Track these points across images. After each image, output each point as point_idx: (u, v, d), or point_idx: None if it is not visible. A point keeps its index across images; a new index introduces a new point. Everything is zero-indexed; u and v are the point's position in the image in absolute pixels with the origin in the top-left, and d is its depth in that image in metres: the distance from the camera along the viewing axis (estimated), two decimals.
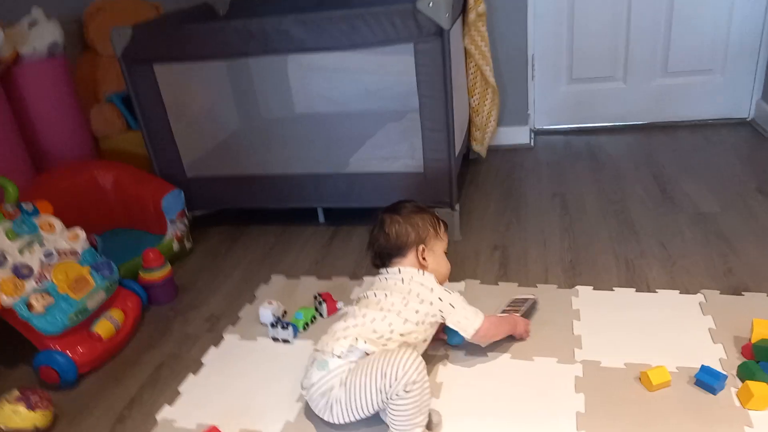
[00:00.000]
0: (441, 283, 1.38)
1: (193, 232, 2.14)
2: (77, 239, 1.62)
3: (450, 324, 1.31)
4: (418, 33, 1.67)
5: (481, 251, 1.87)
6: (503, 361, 1.39)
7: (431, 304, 1.30)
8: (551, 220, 2.00)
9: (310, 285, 1.79)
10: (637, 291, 1.58)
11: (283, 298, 1.71)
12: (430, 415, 1.20)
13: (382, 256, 1.40)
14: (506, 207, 2.14)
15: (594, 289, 1.61)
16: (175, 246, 2.00)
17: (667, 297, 1.55)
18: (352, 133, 2.23)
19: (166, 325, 1.70)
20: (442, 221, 1.48)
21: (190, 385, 1.44)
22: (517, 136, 2.64)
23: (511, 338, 1.43)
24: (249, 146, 2.26)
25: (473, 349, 1.41)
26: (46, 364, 1.46)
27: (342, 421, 1.20)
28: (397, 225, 1.41)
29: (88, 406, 1.42)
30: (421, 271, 1.36)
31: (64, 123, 2.09)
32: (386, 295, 1.31)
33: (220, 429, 1.26)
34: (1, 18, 1.96)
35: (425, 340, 1.33)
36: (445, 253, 1.46)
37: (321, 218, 2.18)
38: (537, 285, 1.66)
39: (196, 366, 1.50)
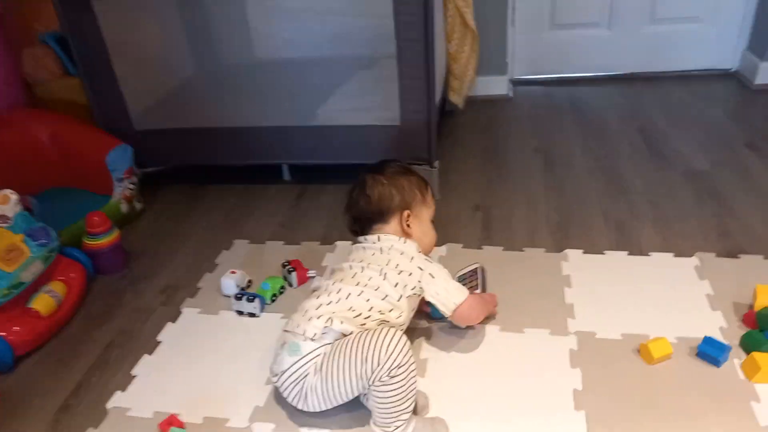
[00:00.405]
0: (426, 254, 1.25)
1: (144, 192, 1.93)
2: (7, 202, 1.41)
3: (429, 297, 1.17)
4: None
5: (461, 212, 1.73)
6: (492, 333, 1.27)
7: (410, 274, 1.16)
8: (535, 177, 1.88)
9: (277, 251, 1.63)
10: (629, 254, 1.48)
11: (247, 266, 1.55)
12: (416, 397, 1.08)
13: (362, 222, 1.25)
14: (486, 163, 2.00)
15: (584, 252, 1.50)
16: (124, 207, 1.80)
17: (662, 260, 1.45)
18: (320, 82, 2.03)
19: (115, 297, 1.52)
20: (429, 186, 1.33)
21: (144, 367, 1.28)
22: (495, 86, 2.48)
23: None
24: (205, 95, 2.04)
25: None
26: None
27: (318, 410, 1.07)
28: (380, 186, 1.25)
29: (28, 393, 1.25)
30: (402, 239, 1.22)
31: None
32: (363, 267, 1.17)
33: (180, 419, 1.12)
34: None
35: (408, 318, 1.19)
36: (432, 221, 1.32)
37: (286, 175, 2.00)
38: (524, 249, 1.54)
39: (151, 345, 1.34)
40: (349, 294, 1.12)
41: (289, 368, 1.06)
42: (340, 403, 1.05)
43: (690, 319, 1.26)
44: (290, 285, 1.47)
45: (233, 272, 1.46)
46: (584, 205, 1.71)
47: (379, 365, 0.97)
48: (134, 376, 1.26)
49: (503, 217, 1.69)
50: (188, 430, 1.10)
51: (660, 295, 1.34)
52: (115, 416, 1.17)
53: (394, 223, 1.24)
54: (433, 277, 1.17)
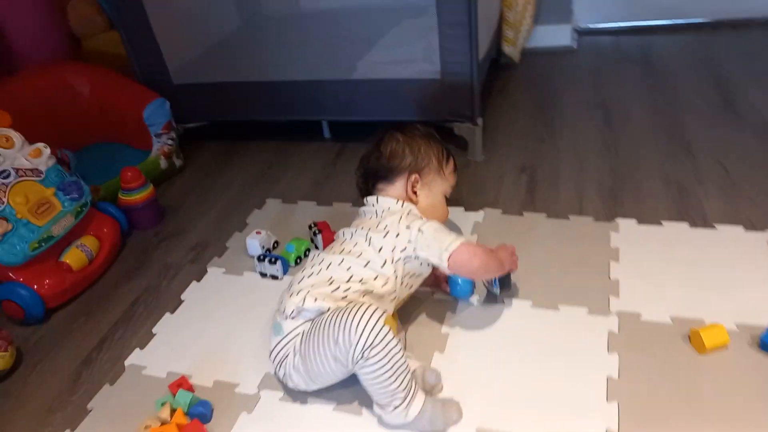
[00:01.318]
0: None
1: (184, 148, 1.92)
2: (40, 155, 1.42)
3: (420, 252, 1.04)
4: None
5: (505, 173, 1.60)
6: (522, 309, 1.17)
7: (397, 235, 1.05)
8: (590, 135, 1.71)
9: (308, 211, 1.58)
10: (691, 226, 1.32)
11: (276, 226, 1.51)
12: (424, 375, 1.01)
13: (368, 179, 1.17)
14: (538, 120, 1.84)
15: (638, 222, 1.35)
16: (163, 163, 1.79)
17: (729, 234, 1.28)
18: (362, 33, 1.92)
19: (146, 253, 1.52)
20: (453, 160, 1.22)
21: (164, 326, 1.28)
22: (556, 36, 2.27)
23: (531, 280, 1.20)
24: (243, 49, 1.98)
25: (487, 295, 1.19)
26: (8, 299, 1.31)
27: (308, 389, 1.02)
28: (394, 143, 1.17)
29: (55, 345, 1.28)
30: (400, 202, 1.12)
31: (32, 16, 1.84)
32: (352, 233, 1.09)
33: (190, 381, 1.10)
34: None
35: (400, 286, 1.06)
36: (447, 198, 1.21)
37: (326, 133, 1.93)
38: (569, 216, 1.40)
39: (174, 303, 1.33)
40: (330, 264, 1.04)
41: (273, 348, 1.02)
42: (331, 383, 1.00)
43: (756, 304, 1.10)
44: (316, 247, 1.42)
45: (258, 232, 1.42)
46: (642, 168, 1.53)
47: (351, 345, 0.89)
48: (154, 334, 1.25)
49: (550, 180, 1.55)
50: (198, 392, 1.08)
51: (723, 274, 1.18)
52: (131, 374, 1.17)
53: (399, 186, 1.14)
54: (421, 232, 1.04)
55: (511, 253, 1.13)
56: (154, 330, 1.27)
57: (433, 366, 1.06)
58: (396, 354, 0.91)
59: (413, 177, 1.15)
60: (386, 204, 1.13)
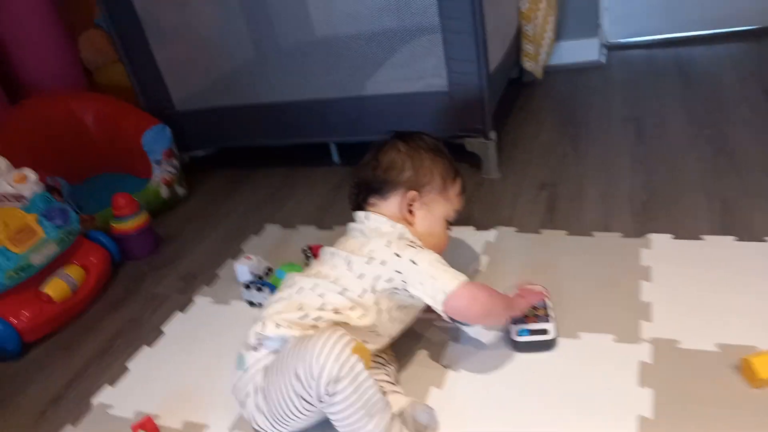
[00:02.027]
0: None
1: (192, 177, 1.86)
2: (25, 181, 1.36)
3: (411, 289, 0.88)
4: None
5: (522, 191, 1.45)
6: None
7: (382, 263, 0.89)
8: (620, 150, 1.54)
9: (308, 235, 1.46)
10: (737, 240, 1.13)
11: (273, 252, 1.40)
12: (414, 414, 0.85)
13: (360, 190, 1.03)
14: (563, 136, 1.69)
15: (674, 237, 1.17)
16: (164, 192, 1.72)
17: None
18: (372, 55, 1.83)
19: (136, 283, 1.43)
20: (462, 181, 1.06)
21: (140, 360, 1.16)
22: (583, 51, 2.13)
23: None
24: (246, 74, 1.92)
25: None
26: None
27: None
28: (394, 153, 1.02)
29: (26, 381, 1.18)
30: (390, 222, 0.97)
31: (45, 47, 1.84)
32: (333, 254, 0.95)
33: (156, 421, 0.97)
34: None
35: (380, 323, 0.90)
36: (449, 224, 1.04)
37: (335, 157, 1.83)
38: (593, 233, 1.23)
39: (154, 335, 1.22)
40: (301, 288, 0.90)
41: (234, 383, 0.88)
42: (299, 425, 0.84)
43: None
44: None
45: (248, 258, 1.30)
46: (679, 181, 1.36)
47: (314, 379, 0.75)
48: (128, 369, 1.14)
49: (573, 196, 1.39)
50: None
51: None
52: (97, 413, 1.05)
53: (393, 202, 0.99)
54: (414, 263, 0.88)
55: (535, 294, 0.98)
56: (128, 365, 1.15)
57: (428, 404, 0.90)
58: (368, 389, 0.77)
59: (411, 194, 0.99)
60: (375, 223, 0.98)
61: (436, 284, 0.87)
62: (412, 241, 0.95)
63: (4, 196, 1.31)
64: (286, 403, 0.80)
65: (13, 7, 1.77)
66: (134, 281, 1.44)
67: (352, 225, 1.01)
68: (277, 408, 0.81)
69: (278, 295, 0.93)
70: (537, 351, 0.96)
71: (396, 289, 0.90)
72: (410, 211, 1.00)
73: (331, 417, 0.78)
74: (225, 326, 1.20)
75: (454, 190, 1.05)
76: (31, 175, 1.38)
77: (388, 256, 0.90)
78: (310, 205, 1.62)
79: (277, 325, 0.85)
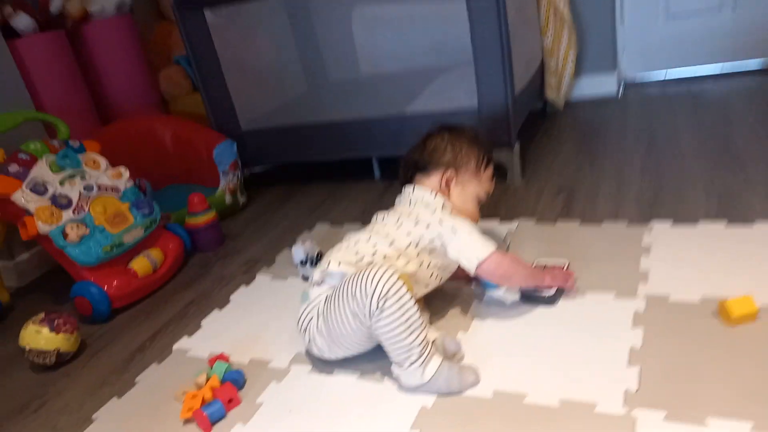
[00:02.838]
0: None
1: (251, 190, 2.11)
2: (120, 177, 1.63)
3: (450, 253, 1.09)
4: None
5: (543, 193, 1.64)
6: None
7: (428, 226, 1.10)
8: (633, 161, 1.73)
9: (353, 230, 1.67)
10: (729, 223, 1.29)
11: (323, 242, 1.61)
12: (444, 343, 1.03)
13: (408, 169, 1.24)
14: (580, 152, 1.89)
15: (673, 223, 1.34)
16: (228, 198, 1.97)
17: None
18: (413, 86, 2.09)
19: (205, 268, 1.66)
20: (494, 166, 1.28)
21: (212, 319, 1.38)
22: (602, 85, 2.34)
23: None
24: (308, 103, 2.20)
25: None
26: (80, 295, 1.46)
27: (332, 356, 1.07)
28: (438, 140, 1.24)
29: (115, 338, 1.40)
30: (433, 193, 1.18)
31: (131, 80, 2.15)
32: (385, 216, 1.16)
33: (228, 357, 1.17)
34: None
35: (420, 272, 1.10)
36: (480, 203, 1.25)
37: (377, 173, 2.06)
38: (602, 222, 1.41)
39: (223, 303, 1.44)
40: (358, 241, 1.11)
41: (300, 315, 1.08)
42: (350, 348, 1.04)
43: None
44: None
45: (303, 242, 1.51)
46: (685, 181, 1.53)
47: (366, 297, 0.94)
48: (202, 326, 1.35)
49: (588, 195, 1.57)
50: (234, 367, 1.15)
51: (761, 261, 1.14)
52: (177, 355, 1.26)
53: (434, 179, 1.21)
54: (454, 232, 1.09)
55: (563, 277, 1.16)
56: (202, 323, 1.37)
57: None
58: (410, 308, 0.96)
59: (449, 173, 1.20)
60: (420, 194, 1.19)
61: (471, 251, 1.08)
62: (451, 212, 1.16)
63: (104, 187, 1.58)
64: (342, 321, 0.99)
65: (108, 47, 2.10)
66: (204, 267, 1.67)
67: (400, 196, 1.23)
68: (334, 327, 1.01)
69: (339, 245, 1.14)
70: (537, 303, 1.15)
71: (435, 248, 1.10)
72: (448, 188, 1.21)
73: (379, 332, 0.96)
74: (283, 295, 1.41)
75: (486, 174, 1.26)
76: (125, 172, 1.65)
77: (433, 221, 1.11)
78: (354, 211, 1.84)
79: (339, 263, 1.06)
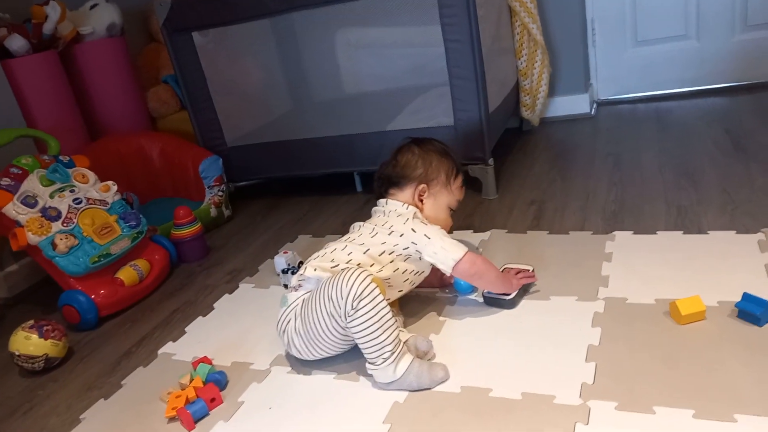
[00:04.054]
0: None
1: (235, 203, 2.17)
2: (108, 190, 1.69)
3: (426, 257, 1.17)
4: None
5: (516, 206, 1.72)
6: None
7: (401, 235, 1.17)
8: (600, 176, 1.82)
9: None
10: (685, 233, 1.38)
11: (304, 252, 1.67)
12: (416, 343, 1.09)
13: (382, 183, 1.32)
14: (553, 168, 1.98)
15: (635, 233, 1.42)
16: (213, 211, 2.03)
17: (721, 237, 1.33)
18: (393, 106, 2.18)
19: (190, 279, 1.71)
20: (463, 176, 1.35)
21: (196, 326, 1.43)
22: (576, 105, 2.44)
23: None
24: (285, 118, 2.26)
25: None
26: (68, 304, 1.50)
27: (310, 357, 1.13)
28: (409, 155, 1.31)
29: (101, 344, 1.45)
30: (405, 205, 1.26)
31: (121, 99, 2.21)
32: (360, 227, 1.23)
33: (211, 360, 1.22)
34: (69, 4, 2.11)
35: (394, 277, 1.17)
36: (451, 210, 1.33)
37: (358, 187, 2.13)
38: (569, 232, 1.49)
39: (207, 310, 1.49)
40: (334, 249, 1.18)
41: (279, 318, 1.15)
42: (327, 348, 1.10)
43: (740, 286, 1.12)
44: None
45: (285, 252, 1.58)
46: (647, 195, 1.62)
47: (342, 298, 1.01)
48: (186, 332, 1.40)
49: (558, 208, 1.65)
50: (217, 369, 1.20)
51: (711, 265, 1.23)
52: (162, 359, 1.31)
53: (408, 193, 1.28)
54: (428, 238, 1.17)
55: (527, 278, 1.25)
56: (186, 329, 1.42)
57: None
58: (383, 308, 1.02)
59: (421, 187, 1.27)
60: (394, 206, 1.27)
61: (446, 253, 1.15)
62: (422, 220, 1.23)
63: (93, 200, 1.63)
64: (319, 322, 1.06)
65: (99, 67, 2.16)
66: (189, 277, 1.72)
67: (375, 209, 1.30)
68: (312, 328, 1.07)
69: (316, 253, 1.20)
70: (499, 306, 1.22)
71: (409, 255, 1.18)
72: (420, 200, 1.28)
73: (353, 332, 1.03)
74: (265, 303, 1.47)
75: (456, 184, 1.33)
76: (113, 186, 1.71)
77: (405, 230, 1.18)
78: (335, 222, 1.91)
79: (315, 269, 1.12)
